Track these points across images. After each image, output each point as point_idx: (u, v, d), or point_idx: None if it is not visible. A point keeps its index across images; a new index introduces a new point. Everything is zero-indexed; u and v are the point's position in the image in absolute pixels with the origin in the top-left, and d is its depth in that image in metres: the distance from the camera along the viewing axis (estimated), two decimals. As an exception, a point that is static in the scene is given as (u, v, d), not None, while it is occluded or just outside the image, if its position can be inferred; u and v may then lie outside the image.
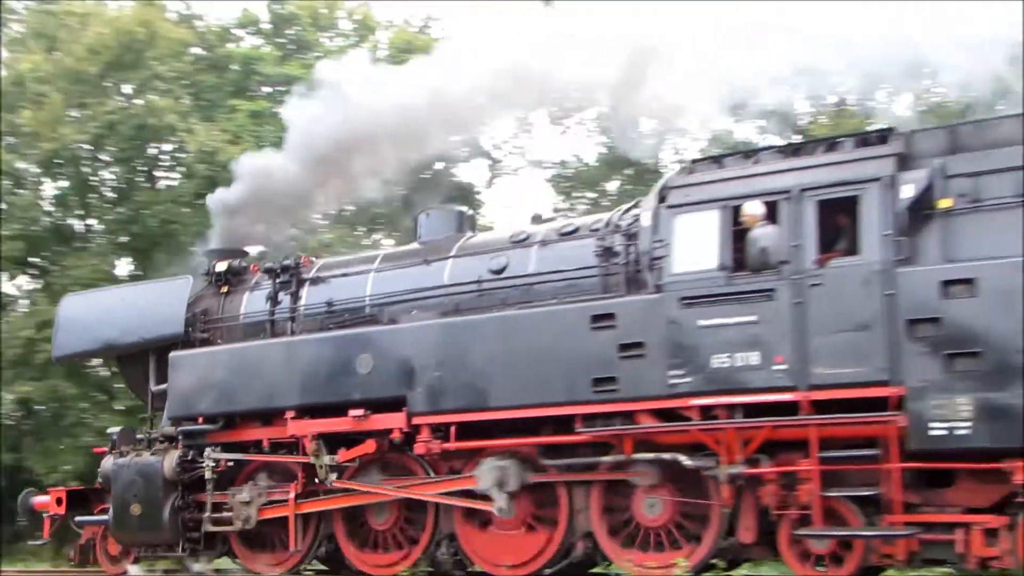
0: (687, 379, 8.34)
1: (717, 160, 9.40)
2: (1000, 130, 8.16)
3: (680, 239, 8.69)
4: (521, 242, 10.33)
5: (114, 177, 22.54)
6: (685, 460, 8.48)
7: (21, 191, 21.69)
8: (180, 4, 24.92)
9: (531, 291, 9.82)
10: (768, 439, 8.18)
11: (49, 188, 22.57)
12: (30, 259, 22.01)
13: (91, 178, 22.36)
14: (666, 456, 8.61)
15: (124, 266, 23.01)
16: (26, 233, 20.88)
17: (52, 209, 22.46)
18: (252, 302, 11.84)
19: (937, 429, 7.40)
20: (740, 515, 8.55)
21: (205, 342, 11.73)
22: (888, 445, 7.68)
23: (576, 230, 10.10)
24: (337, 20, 26.07)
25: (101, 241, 21.93)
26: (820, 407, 7.90)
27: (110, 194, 22.60)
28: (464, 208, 13.15)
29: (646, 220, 9.07)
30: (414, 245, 11.62)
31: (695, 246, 8.59)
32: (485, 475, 9.37)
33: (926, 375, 7.49)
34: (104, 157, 22.11)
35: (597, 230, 9.76)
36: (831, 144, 8.85)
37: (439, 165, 22.89)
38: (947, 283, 7.53)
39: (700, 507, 8.72)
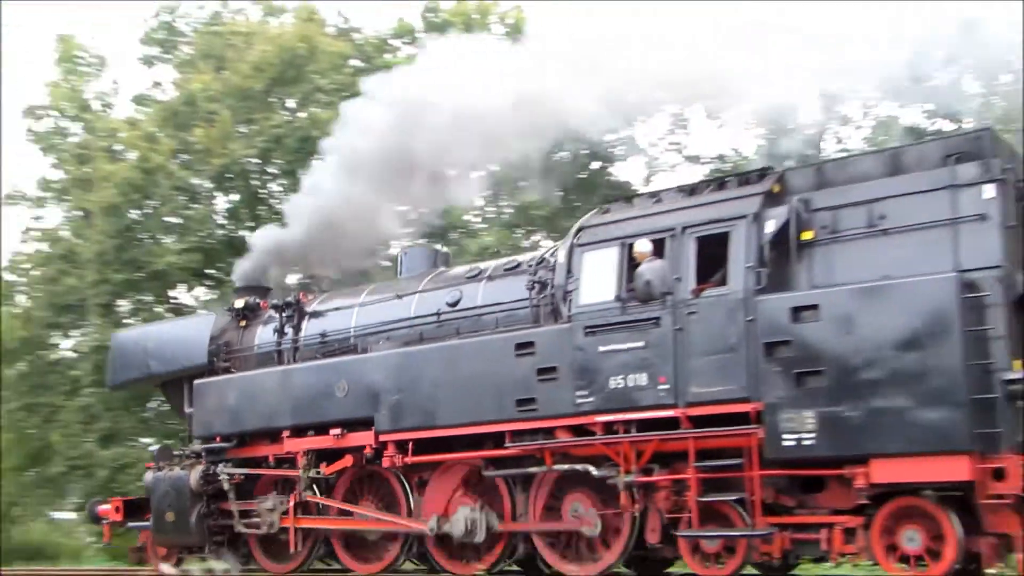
0: (591, 399, 9.51)
1: (628, 200, 10.53)
2: (859, 166, 9.00)
3: (587, 274, 9.87)
4: (473, 277, 11.68)
5: (281, 189, 23.78)
6: (593, 470, 9.63)
7: (196, 205, 23.69)
8: (338, 18, 25.59)
9: (479, 321, 11.16)
10: (658, 450, 9.25)
11: (221, 202, 24.46)
12: (206, 270, 23.90)
13: (260, 191, 23.92)
14: (578, 467, 9.76)
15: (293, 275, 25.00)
16: (202, 245, 22.75)
17: (225, 222, 24.24)
18: (263, 335, 13.63)
19: (788, 440, 8.32)
20: (648, 519, 9.61)
21: (226, 371, 13.57)
22: (751, 455, 8.62)
23: (518, 265, 11.36)
24: (490, 25, 25.37)
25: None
26: (698, 422, 8.92)
27: (278, 205, 23.59)
28: (439, 246, 14.45)
29: (561, 257, 10.27)
30: (396, 279, 13.15)
31: (598, 280, 9.76)
32: (457, 523, 10.67)
33: (780, 392, 8.42)
34: (271, 170, 23.62)
35: (531, 266, 10.99)
36: (720, 183, 9.84)
37: (595, 165, 22.93)
38: (796, 309, 8.45)
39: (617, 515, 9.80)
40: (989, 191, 8.07)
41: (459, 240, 19.94)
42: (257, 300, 14.16)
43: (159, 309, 27.14)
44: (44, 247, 25.88)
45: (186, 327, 14.67)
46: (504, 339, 10.31)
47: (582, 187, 20.93)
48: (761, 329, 8.58)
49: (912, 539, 8.08)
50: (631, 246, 9.57)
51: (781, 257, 8.88)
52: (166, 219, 23.40)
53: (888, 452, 7.89)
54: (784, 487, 8.79)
